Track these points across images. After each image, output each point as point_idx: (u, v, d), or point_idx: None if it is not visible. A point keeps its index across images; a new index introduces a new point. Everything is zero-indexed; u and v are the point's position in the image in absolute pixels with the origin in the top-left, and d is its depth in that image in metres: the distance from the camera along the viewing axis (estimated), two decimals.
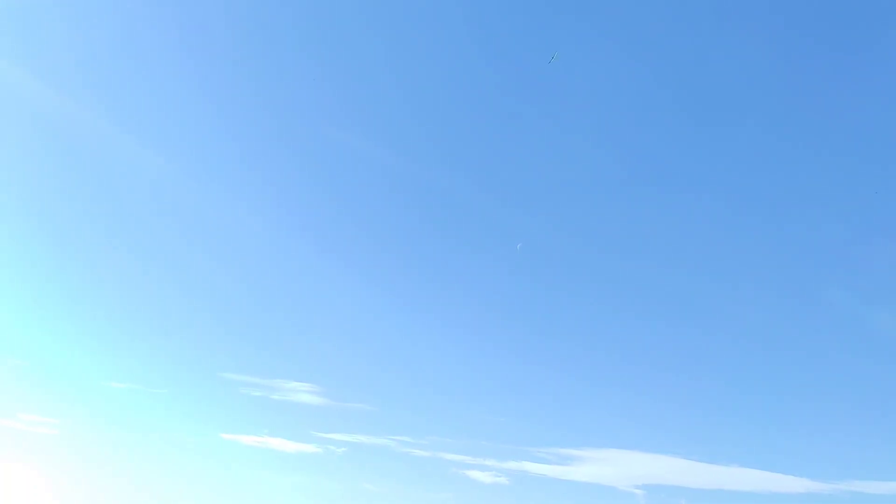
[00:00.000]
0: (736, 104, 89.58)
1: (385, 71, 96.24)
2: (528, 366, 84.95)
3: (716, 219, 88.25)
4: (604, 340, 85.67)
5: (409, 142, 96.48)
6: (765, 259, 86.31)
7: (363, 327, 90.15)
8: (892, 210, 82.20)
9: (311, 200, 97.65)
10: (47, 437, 76.09)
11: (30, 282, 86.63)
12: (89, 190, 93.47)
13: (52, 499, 70.80)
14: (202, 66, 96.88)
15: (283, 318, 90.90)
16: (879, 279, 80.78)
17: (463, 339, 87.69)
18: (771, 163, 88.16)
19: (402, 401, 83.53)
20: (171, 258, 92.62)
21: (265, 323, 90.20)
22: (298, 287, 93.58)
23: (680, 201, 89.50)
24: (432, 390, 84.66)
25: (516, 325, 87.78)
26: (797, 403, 77.88)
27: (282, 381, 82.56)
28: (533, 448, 78.23)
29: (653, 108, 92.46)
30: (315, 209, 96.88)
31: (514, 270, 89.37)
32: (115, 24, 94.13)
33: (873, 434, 73.61)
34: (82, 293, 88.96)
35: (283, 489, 76.43)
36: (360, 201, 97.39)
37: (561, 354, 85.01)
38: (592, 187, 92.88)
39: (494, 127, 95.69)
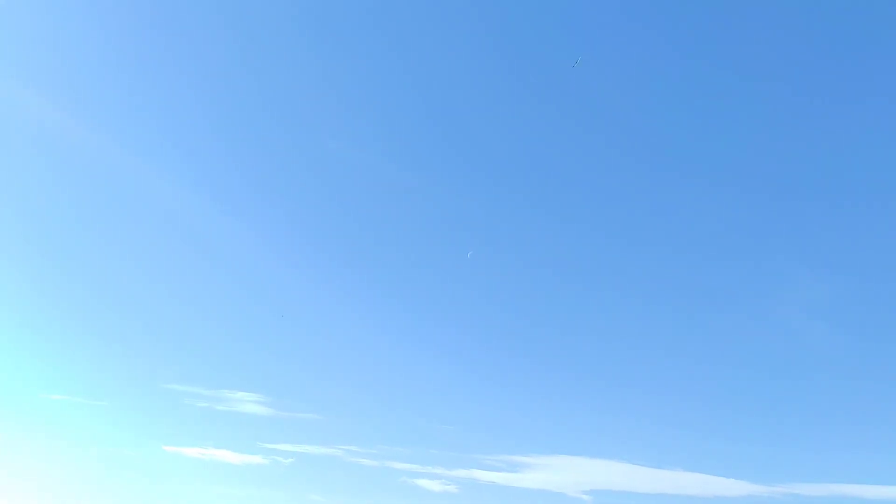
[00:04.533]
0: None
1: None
2: (476, 374, 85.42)
3: (653, 238, 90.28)
4: (550, 350, 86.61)
5: (372, 141, 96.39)
6: (701, 272, 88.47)
7: (309, 336, 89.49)
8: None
9: (257, 204, 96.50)
10: None
11: None
12: (27, 192, 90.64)
13: None
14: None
15: (228, 327, 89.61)
16: (821, 295, 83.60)
17: (411, 349, 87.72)
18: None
19: (350, 410, 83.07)
20: (109, 266, 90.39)
21: (209, 332, 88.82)
22: (243, 295, 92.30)
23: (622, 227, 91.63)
24: (380, 399, 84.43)
25: (464, 334, 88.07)
26: (737, 410, 79.97)
27: (227, 392, 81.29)
28: (482, 456, 78.58)
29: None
30: (260, 214, 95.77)
31: (461, 281, 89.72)
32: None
33: (809, 439, 75.99)
34: (16, 301, 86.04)
35: (229, 502, 75.28)
36: (307, 204, 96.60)
37: (508, 363, 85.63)
38: (545, 201, 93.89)
39: (453, 124, 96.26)
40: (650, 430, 79.02)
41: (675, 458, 76.47)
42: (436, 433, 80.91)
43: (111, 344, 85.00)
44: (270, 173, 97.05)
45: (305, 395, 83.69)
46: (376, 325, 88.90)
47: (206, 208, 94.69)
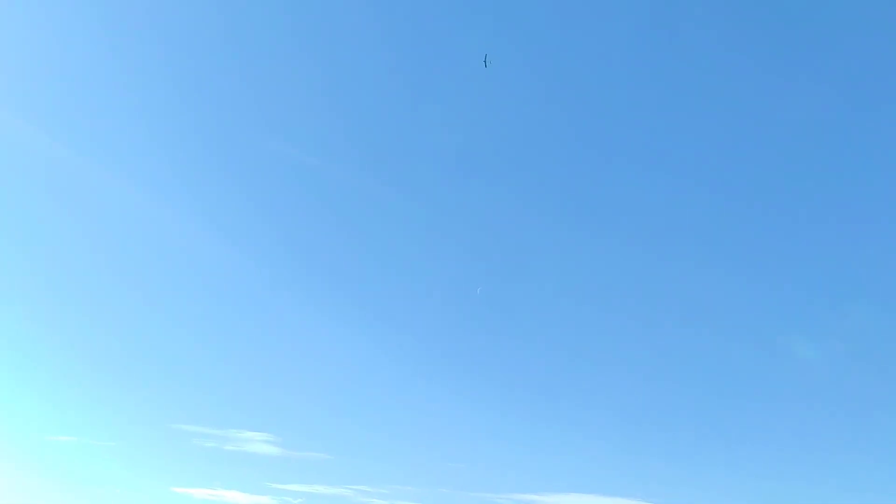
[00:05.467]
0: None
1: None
2: (487, 412, 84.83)
3: (674, 268, 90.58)
4: (561, 386, 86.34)
5: (374, 172, 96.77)
6: (724, 308, 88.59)
7: (319, 374, 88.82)
8: None
9: (262, 242, 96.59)
10: None
11: None
12: (26, 234, 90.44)
13: None
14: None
15: (236, 365, 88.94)
16: (836, 335, 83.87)
17: (421, 386, 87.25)
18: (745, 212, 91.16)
19: (361, 449, 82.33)
20: (116, 304, 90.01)
21: (217, 371, 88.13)
22: (251, 333, 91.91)
23: (636, 249, 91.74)
24: (391, 438, 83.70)
25: (474, 370, 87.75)
26: (752, 446, 79.76)
27: (235, 431, 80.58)
28: (493, 494, 77.79)
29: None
30: (266, 250, 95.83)
31: (472, 317, 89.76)
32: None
33: (827, 475, 75.86)
34: (20, 341, 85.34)
35: None
36: (312, 244, 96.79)
37: (519, 400, 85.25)
38: (552, 233, 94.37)
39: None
40: (664, 468, 78.72)
41: (688, 496, 75.97)
42: (447, 472, 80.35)
43: (118, 384, 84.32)
44: (279, 205, 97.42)
45: (315, 434, 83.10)
46: (385, 364, 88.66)
47: (213, 247, 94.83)
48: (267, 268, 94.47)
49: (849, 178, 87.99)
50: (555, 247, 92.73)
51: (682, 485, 77.24)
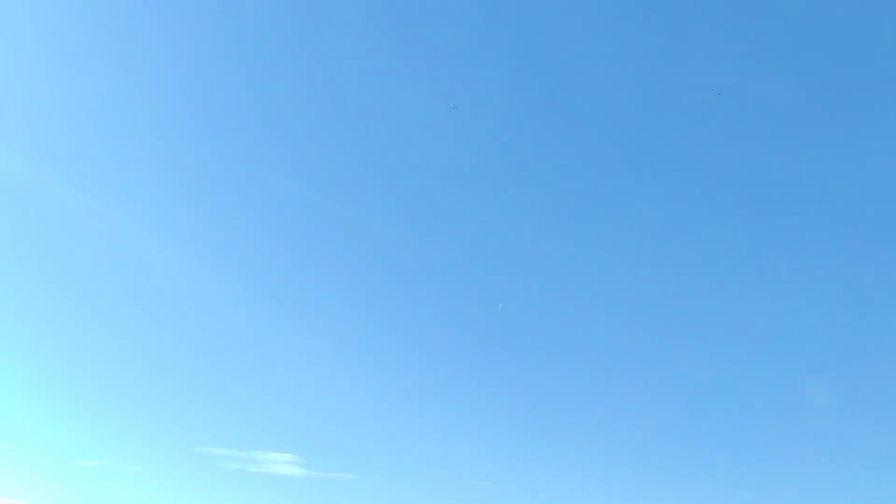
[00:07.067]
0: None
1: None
2: (513, 429, 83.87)
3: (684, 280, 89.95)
4: (588, 402, 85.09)
5: (388, 205, 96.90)
6: (731, 321, 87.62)
7: (344, 394, 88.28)
8: None
9: (282, 265, 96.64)
10: None
11: None
12: (47, 259, 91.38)
13: None
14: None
15: (260, 386, 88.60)
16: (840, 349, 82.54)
17: (447, 405, 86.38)
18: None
19: (388, 470, 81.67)
20: (138, 328, 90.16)
21: (241, 392, 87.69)
22: (274, 353, 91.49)
23: (650, 263, 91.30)
24: (417, 456, 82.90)
25: (498, 390, 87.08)
26: (768, 466, 78.77)
27: (260, 453, 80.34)
28: None
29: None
30: (288, 274, 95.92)
31: (492, 336, 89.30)
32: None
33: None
34: (46, 368, 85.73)
35: None
36: (334, 264, 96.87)
37: (545, 417, 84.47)
38: (564, 251, 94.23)
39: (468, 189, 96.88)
40: (699, 485, 77.90)
41: None
42: (473, 490, 79.49)
43: (143, 408, 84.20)
44: (284, 232, 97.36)
45: (341, 454, 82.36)
46: (411, 383, 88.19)
47: (234, 274, 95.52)
48: (287, 291, 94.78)
49: (856, 182, 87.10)
50: (577, 264, 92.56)
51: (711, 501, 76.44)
